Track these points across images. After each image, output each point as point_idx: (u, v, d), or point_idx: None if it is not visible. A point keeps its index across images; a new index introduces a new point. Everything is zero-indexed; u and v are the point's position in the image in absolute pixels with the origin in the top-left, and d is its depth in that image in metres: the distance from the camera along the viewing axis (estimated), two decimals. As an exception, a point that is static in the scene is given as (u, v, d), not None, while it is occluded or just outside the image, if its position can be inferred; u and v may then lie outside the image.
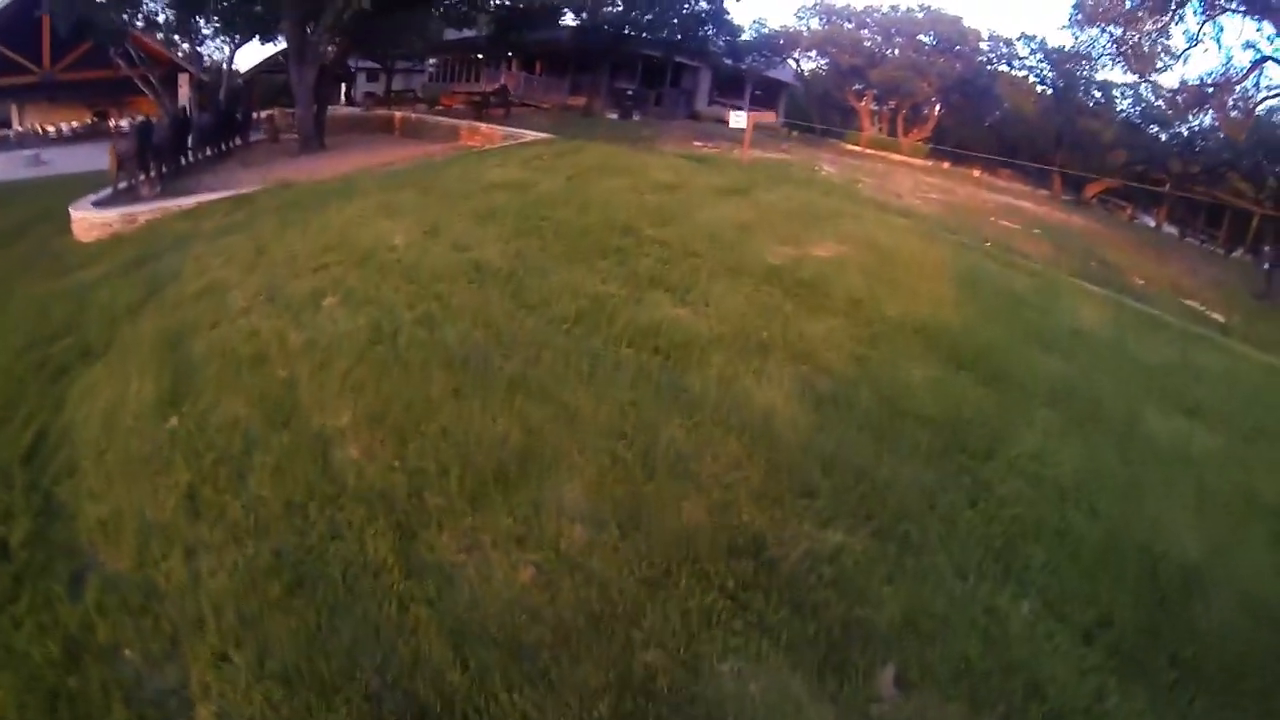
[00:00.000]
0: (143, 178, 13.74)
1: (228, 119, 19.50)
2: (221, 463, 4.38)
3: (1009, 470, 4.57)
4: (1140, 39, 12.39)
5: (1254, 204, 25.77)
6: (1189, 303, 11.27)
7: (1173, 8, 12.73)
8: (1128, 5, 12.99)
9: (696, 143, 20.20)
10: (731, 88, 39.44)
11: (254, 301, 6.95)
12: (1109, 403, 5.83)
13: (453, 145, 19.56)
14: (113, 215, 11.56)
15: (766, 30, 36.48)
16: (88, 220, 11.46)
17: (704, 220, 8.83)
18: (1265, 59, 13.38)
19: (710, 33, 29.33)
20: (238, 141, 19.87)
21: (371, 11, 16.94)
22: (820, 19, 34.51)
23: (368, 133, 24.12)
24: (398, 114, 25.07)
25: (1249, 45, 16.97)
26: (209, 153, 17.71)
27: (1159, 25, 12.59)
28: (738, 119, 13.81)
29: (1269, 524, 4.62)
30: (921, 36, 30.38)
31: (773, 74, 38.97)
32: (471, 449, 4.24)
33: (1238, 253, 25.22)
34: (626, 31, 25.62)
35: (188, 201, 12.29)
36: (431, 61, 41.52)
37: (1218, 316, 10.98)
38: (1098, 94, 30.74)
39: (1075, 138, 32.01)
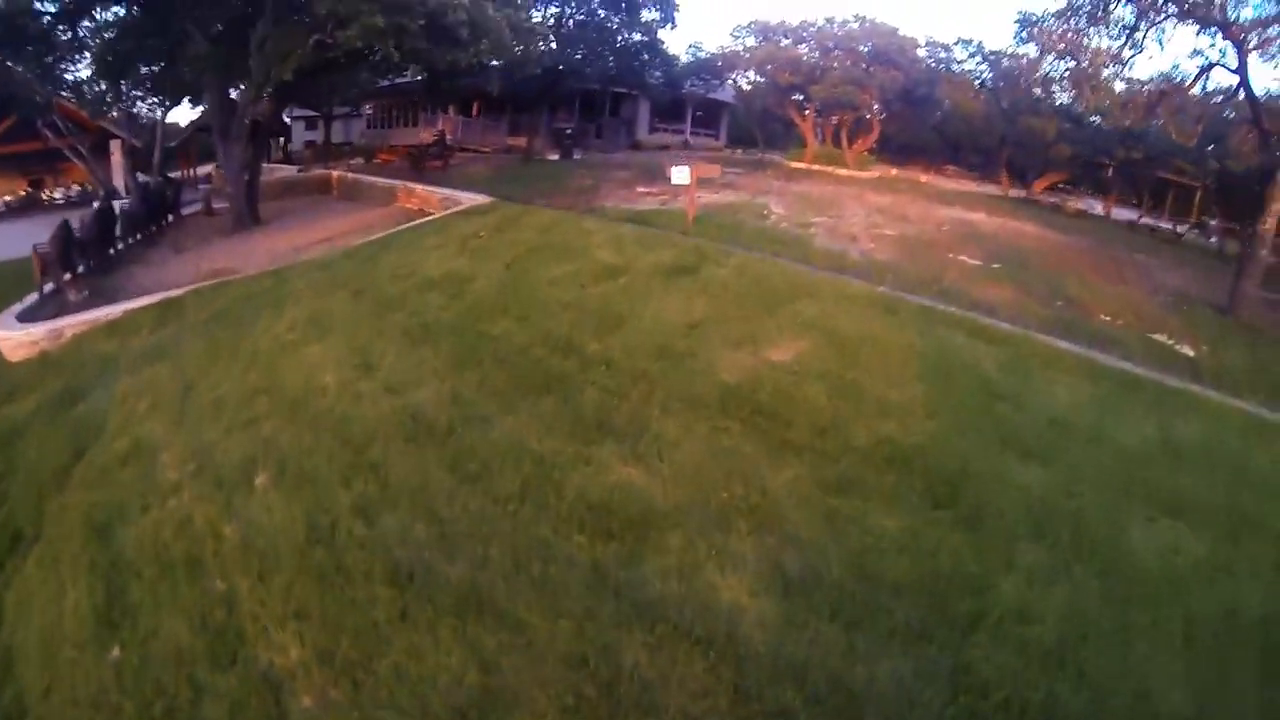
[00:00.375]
0: (68, 278, 13.50)
1: (157, 199, 18.85)
2: (172, 712, 4.26)
3: (992, 640, 4.32)
4: (1091, 67, 12.37)
5: (1196, 180, 27.00)
6: (1156, 337, 11.14)
7: (1125, 34, 12.77)
8: (1078, 31, 12.94)
9: (640, 189, 19.92)
10: (672, 112, 39.56)
11: (184, 474, 6.76)
12: (1092, 520, 5.58)
13: (390, 210, 19.16)
14: (39, 332, 11.54)
15: (704, 54, 36.45)
16: (13, 340, 11.43)
17: (651, 320, 8.51)
18: (1212, 65, 13.44)
19: (646, 63, 29.17)
20: (170, 218, 19.26)
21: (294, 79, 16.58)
22: (756, 37, 34.52)
23: (305, 195, 23.63)
24: (335, 173, 24.57)
25: (1196, 53, 17.39)
26: (139, 237, 17.10)
27: (1112, 55, 12.58)
28: (679, 174, 13.51)
29: (1254, 649, 4.46)
30: (860, 48, 30.41)
31: (713, 95, 39.08)
32: (427, 691, 4.03)
33: (1185, 229, 27.80)
34: (561, 70, 25.37)
35: (115, 310, 12.17)
36: (368, 108, 40.96)
37: (1187, 350, 10.87)
38: (1039, 92, 31.10)
39: (1019, 135, 32.51)
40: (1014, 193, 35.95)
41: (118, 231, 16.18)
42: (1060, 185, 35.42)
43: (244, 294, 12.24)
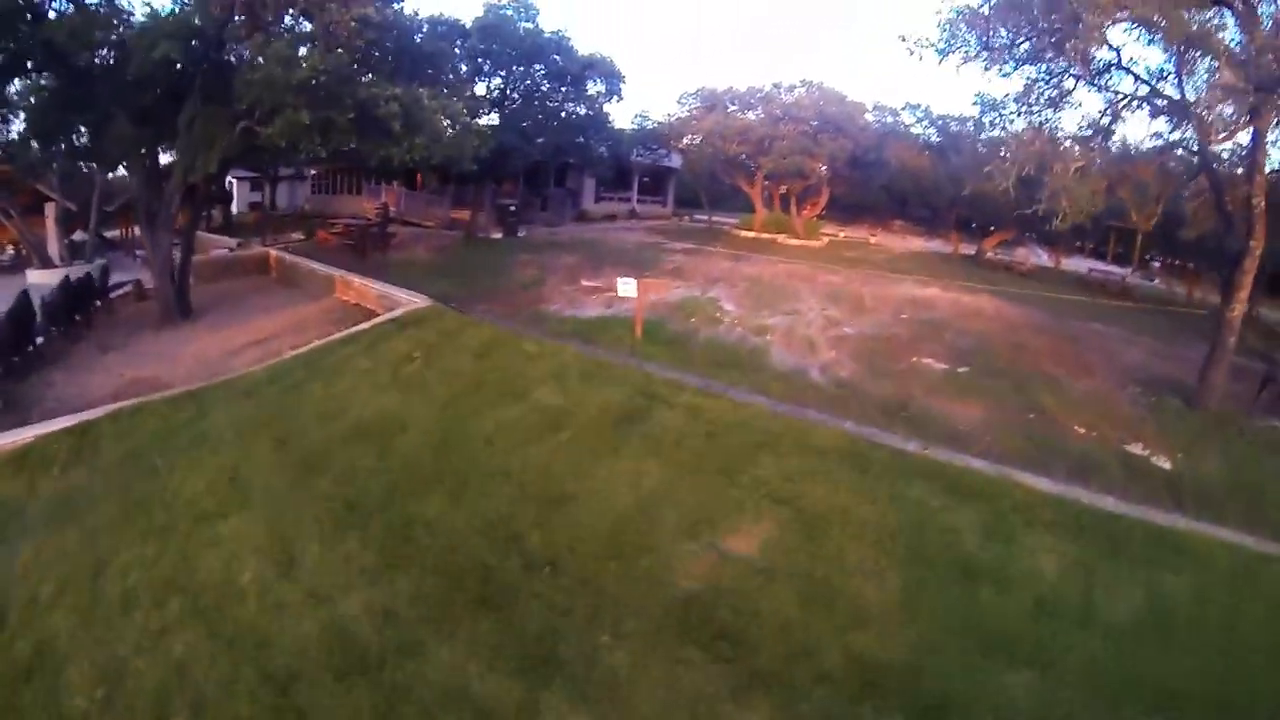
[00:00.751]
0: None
1: (82, 289, 17.75)
2: None
3: None
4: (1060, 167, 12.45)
5: (1137, 222, 29.11)
6: (1132, 449, 10.95)
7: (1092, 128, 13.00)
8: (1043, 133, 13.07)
9: (585, 281, 19.57)
10: (619, 180, 39.71)
11: (92, 703, 6.14)
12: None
13: (327, 304, 18.52)
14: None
15: (651, 122, 36.84)
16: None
17: (599, 497, 7.98)
18: (1173, 146, 13.79)
19: (592, 137, 29.22)
20: (99, 303, 18.24)
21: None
22: (704, 105, 35.04)
23: (243, 276, 22.76)
24: (273, 254, 23.74)
25: (1157, 135, 17.88)
26: (62, 329, 16.16)
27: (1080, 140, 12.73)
28: (626, 288, 13.21)
29: None
30: (809, 117, 30.93)
31: (660, 163, 39.41)
32: None
33: (1129, 272, 30.45)
34: (505, 149, 25.18)
35: (25, 435, 11.16)
36: (313, 171, 40.35)
37: (1163, 464, 10.71)
38: (984, 151, 31.95)
39: (969, 198, 33.18)
40: (964, 249, 36.75)
41: (37, 322, 15.20)
42: (1010, 240, 36.27)
43: (163, 428, 11.35)
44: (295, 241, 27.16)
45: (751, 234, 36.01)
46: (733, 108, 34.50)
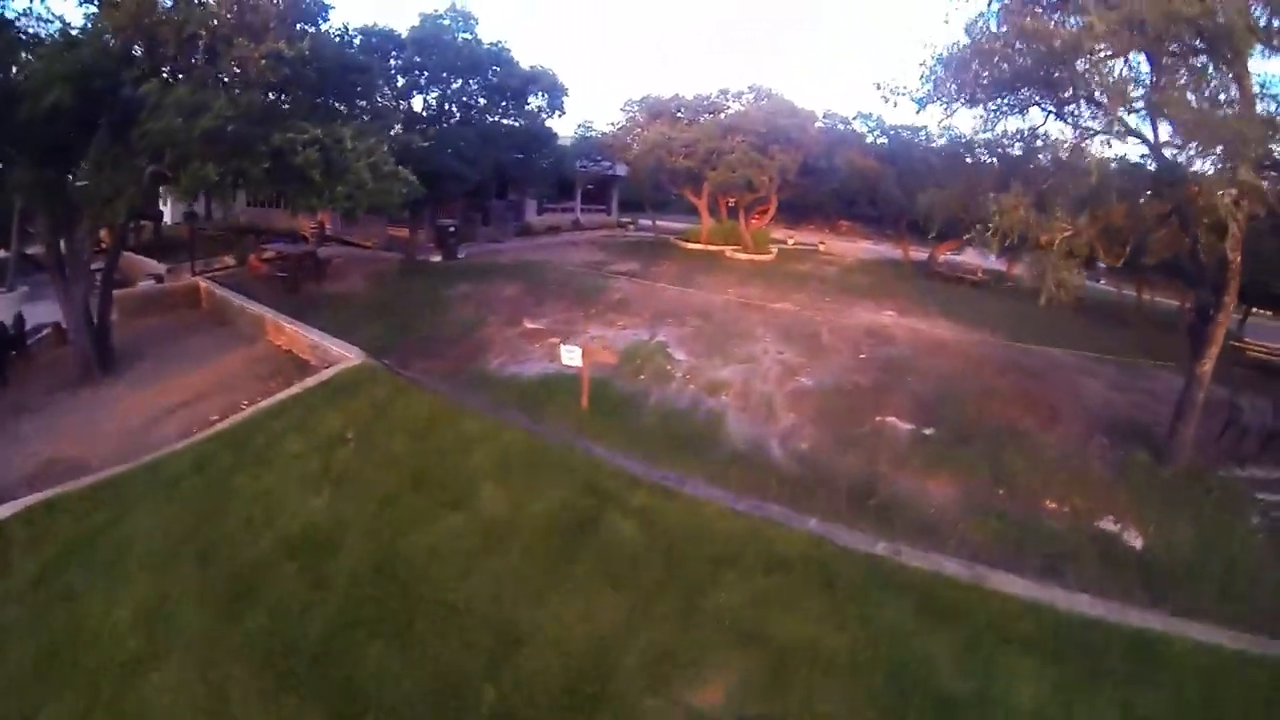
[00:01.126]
0: None
1: None
2: None
3: None
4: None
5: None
6: (1104, 527, 10.96)
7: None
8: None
9: (528, 323, 19.02)
10: (561, 191, 39.09)
11: None
12: None
13: (258, 352, 17.69)
14: None
15: (594, 132, 36.24)
16: None
17: (553, 637, 7.57)
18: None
19: (534, 154, 28.56)
20: (14, 353, 16.89)
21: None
22: (647, 113, 34.56)
23: (170, 311, 21.37)
24: (203, 286, 22.42)
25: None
26: None
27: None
28: (570, 356, 12.82)
29: None
30: (759, 129, 30.64)
31: (604, 172, 38.92)
32: None
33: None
34: (442, 173, 24.34)
35: None
36: None
37: (1136, 542, 10.75)
38: (935, 161, 32.21)
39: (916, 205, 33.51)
40: (915, 253, 37.08)
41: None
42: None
43: (80, 533, 10.42)
44: (227, 268, 25.93)
45: (698, 246, 35.77)
46: (680, 115, 34.07)
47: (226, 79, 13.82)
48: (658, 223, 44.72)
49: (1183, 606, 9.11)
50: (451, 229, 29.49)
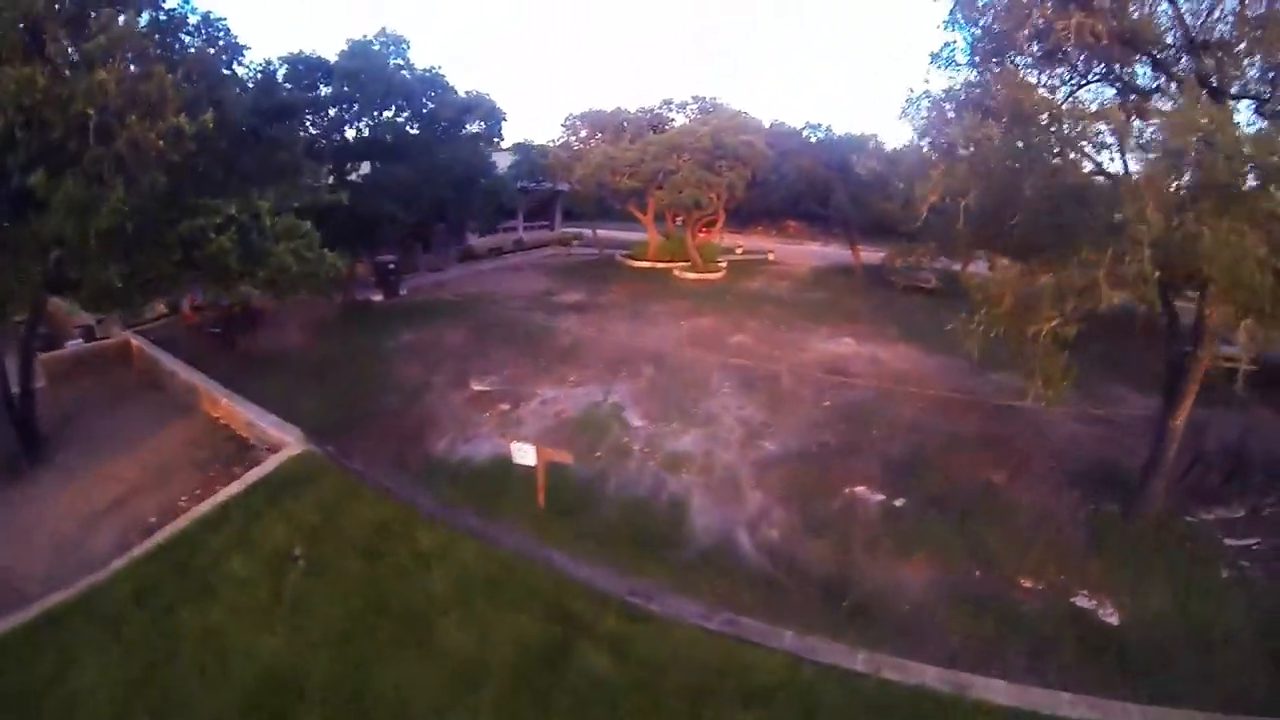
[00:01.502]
0: None
1: None
2: None
3: None
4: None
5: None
6: (1080, 604, 11.05)
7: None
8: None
9: (474, 386, 18.54)
10: (503, 212, 38.50)
11: None
12: None
13: (194, 428, 17.03)
14: None
15: (535, 147, 35.69)
16: None
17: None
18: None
19: (471, 188, 28.00)
20: None
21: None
22: (589, 128, 34.14)
23: (101, 373, 20.39)
24: (134, 344, 21.45)
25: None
26: None
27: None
28: (522, 454, 12.55)
29: None
30: (706, 145, 30.42)
31: (546, 189, 38.48)
32: None
33: None
34: (375, 215, 23.67)
35: None
36: None
37: (1112, 619, 10.85)
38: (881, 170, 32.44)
39: (868, 214, 33.79)
40: (866, 256, 37.36)
41: None
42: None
43: (25, 689, 9.66)
44: (161, 317, 24.95)
45: (645, 264, 35.55)
46: (625, 128, 33.67)
47: (124, 161, 12.92)
48: (603, 234, 44.35)
49: (1162, 692, 9.18)
50: (391, 265, 28.84)
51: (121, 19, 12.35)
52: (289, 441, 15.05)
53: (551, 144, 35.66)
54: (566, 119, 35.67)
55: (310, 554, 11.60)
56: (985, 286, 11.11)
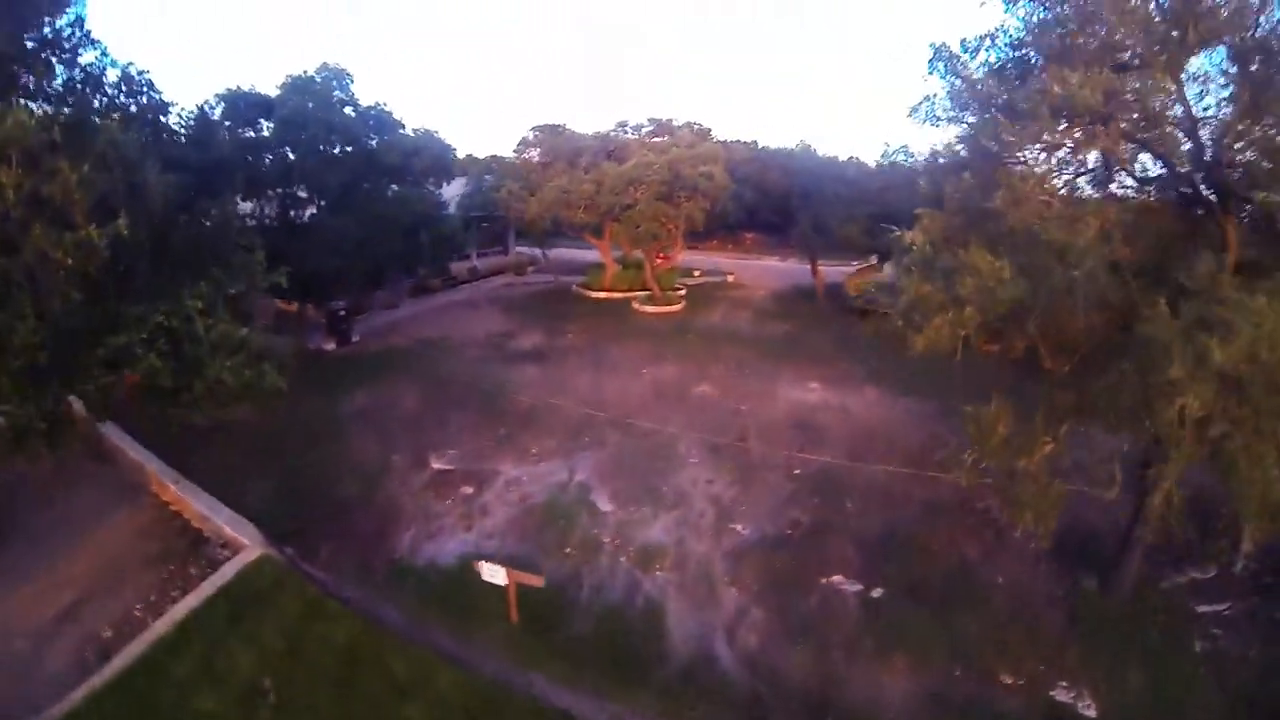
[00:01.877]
0: None
1: None
2: None
3: None
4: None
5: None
6: (1059, 698, 11.40)
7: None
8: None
9: (435, 464, 18.48)
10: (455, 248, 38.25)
11: None
12: None
13: (144, 518, 16.56)
14: None
15: (488, 173, 35.46)
16: None
17: None
18: None
19: (421, 235, 27.75)
20: None
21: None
22: (541, 154, 33.96)
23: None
24: (77, 410, 20.59)
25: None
26: None
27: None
28: (492, 575, 12.58)
29: None
30: (664, 177, 30.40)
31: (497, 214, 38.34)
32: None
33: None
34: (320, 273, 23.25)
35: None
36: None
37: (1089, 711, 11.21)
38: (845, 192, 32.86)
39: (831, 234, 34.15)
40: (827, 271, 37.70)
41: None
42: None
43: None
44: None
45: (603, 295, 35.53)
46: (580, 157, 33.44)
47: (34, 274, 11.99)
48: (557, 255, 44.24)
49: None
50: (342, 311, 28.43)
51: (25, 105, 11.53)
52: (245, 543, 14.79)
53: (508, 158, 35.50)
54: (520, 142, 35.37)
55: (279, 684, 11.42)
56: (978, 416, 11.00)
